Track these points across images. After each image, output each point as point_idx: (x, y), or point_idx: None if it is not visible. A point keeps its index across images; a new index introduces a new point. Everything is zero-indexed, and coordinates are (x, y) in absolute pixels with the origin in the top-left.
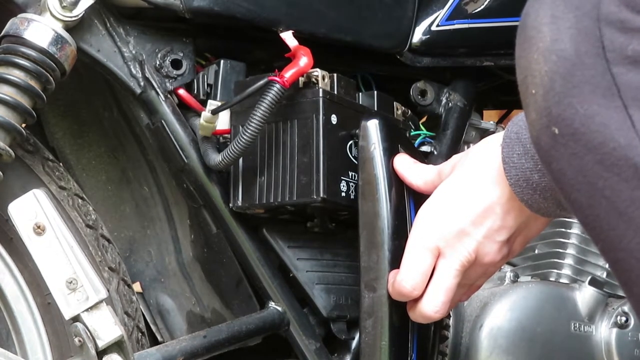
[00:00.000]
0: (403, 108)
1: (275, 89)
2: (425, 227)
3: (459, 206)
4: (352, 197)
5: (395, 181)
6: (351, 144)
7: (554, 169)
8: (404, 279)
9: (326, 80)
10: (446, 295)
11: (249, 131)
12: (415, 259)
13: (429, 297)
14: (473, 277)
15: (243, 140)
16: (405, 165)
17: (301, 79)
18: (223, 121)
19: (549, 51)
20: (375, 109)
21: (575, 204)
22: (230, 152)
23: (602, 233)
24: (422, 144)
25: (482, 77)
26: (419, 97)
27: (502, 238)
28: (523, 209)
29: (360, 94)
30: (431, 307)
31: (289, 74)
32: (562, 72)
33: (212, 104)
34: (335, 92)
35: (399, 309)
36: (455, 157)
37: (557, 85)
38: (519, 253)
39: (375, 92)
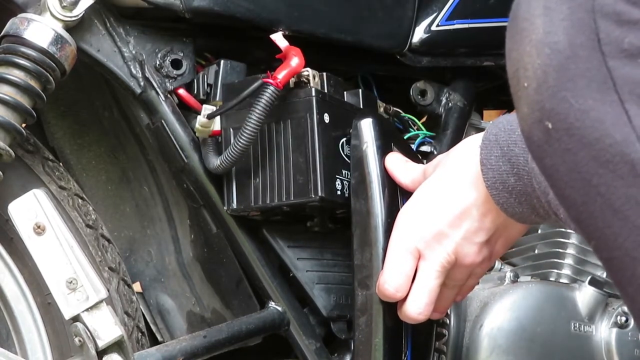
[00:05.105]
0: (384, 105)
1: (269, 91)
2: (404, 229)
3: (437, 208)
4: (347, 195)
5: (388, 180)
6: (343, 142)
7: (546, 165)
8: (387, 281)
9: (316, 79)
10: (429, 296)
11: (245, 135)
12: (396, 261)
13: (412, 298)
14: (458, 278)
15: (241, 144)
16: (396, 164)
17: (292, 79)
18: (220, 122)
19: (542, 43)
20: (361, 106)
21: (568, 200)
22: (228, 156)
23: (597, 231)
24: (422, 144)
25: (482, 77)
26: (419, 97)
27: (481, 239)
28: (500, 211)
29: (346, 92)
30: (414, 309)
31: (281, 75)
32: (556, 65)
33: (207, 109)
34: (326, 91)
35: (392, 306)
36: (439, 157)
37: (550, 79)
38: (519, 253)
39: (360, 90)
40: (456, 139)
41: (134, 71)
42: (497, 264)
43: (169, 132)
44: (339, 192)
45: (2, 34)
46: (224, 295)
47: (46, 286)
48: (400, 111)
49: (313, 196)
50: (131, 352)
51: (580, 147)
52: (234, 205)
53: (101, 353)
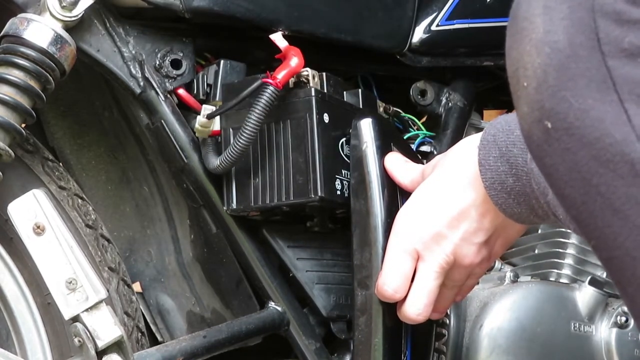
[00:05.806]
0: (384, 105)
1: (269, 91)
2: (403, 230)
3: (436, 209)
4: (346, 195)
5: (388, 180)
6: (342, 142)
7: (546, 164)
8: (385, 283)
9: (316, 79)
10: (428, 297)
11: (245, 135)
12: (394, 262)
13: (411, 299)
14: (458, 278)
15: (240, 144)
16: (395, 164)
17: (292, 79)
18: (219, 122)
19: (541, 43)
20: (361, 106)
21: (568, 200)
22: (228, 156)
23: (596, 230)
24: (422, 144)
25: (482, 77)
26: (419, 97)
27: (479, 240)
28: (499, 212)
29: (345, 92)
30: (413, 310)
31: (281, 75)
32: (556, 65)
33: (206, 109)
34: (325, 91)
35: (392, 306)
36: (437, 157)
37: (550, 78)
38: (519, 253)
39: (360, 90)
40: (456, 139)
41: (133, 71)
42: (497, 264)
43: (168, 132)
44: (338, 192)
45: (1, 34)
46: (224, 295)
47: (46, 286)
48: (400, 111)
49: (313, 196)
50: (131, 352)
51: (580, 147)
52: (234, 205)
53: (101, 353)
